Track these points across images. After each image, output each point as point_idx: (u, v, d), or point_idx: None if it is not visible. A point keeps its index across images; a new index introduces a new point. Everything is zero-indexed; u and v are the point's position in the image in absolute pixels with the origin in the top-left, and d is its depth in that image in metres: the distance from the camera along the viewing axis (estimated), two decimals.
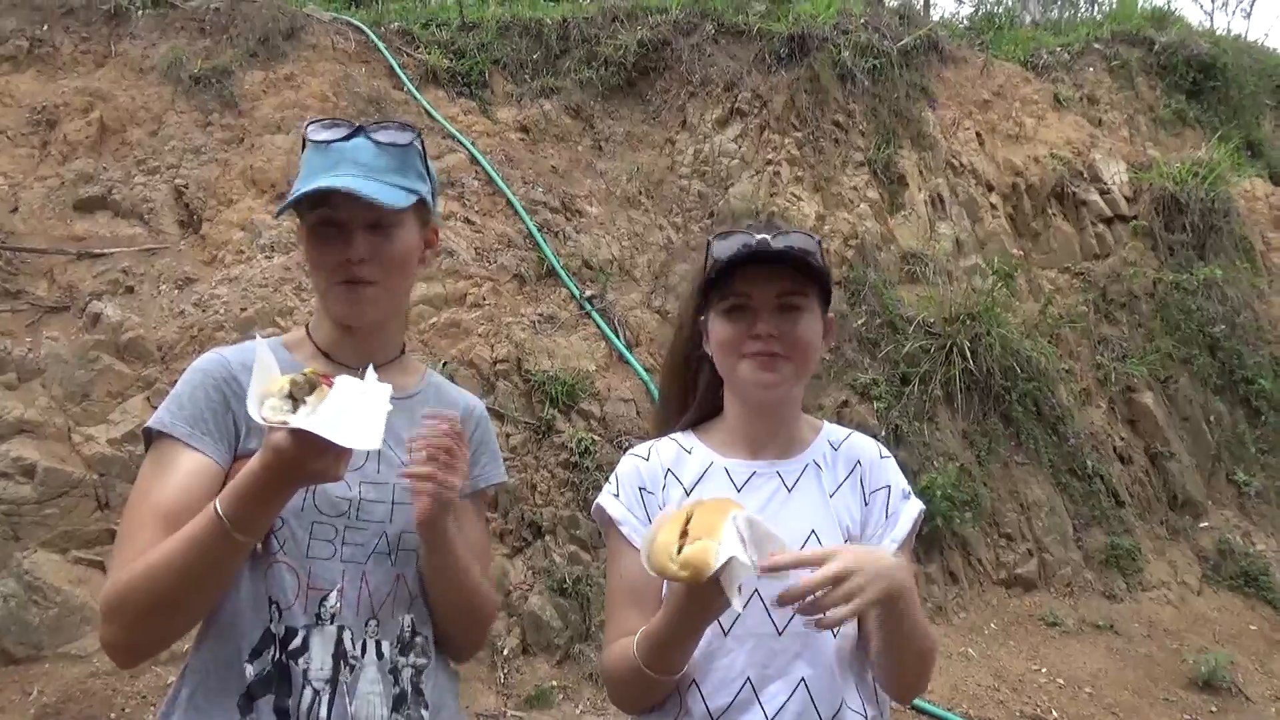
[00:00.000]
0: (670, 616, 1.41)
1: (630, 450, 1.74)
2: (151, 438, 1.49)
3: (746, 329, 1.57)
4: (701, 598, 1.34)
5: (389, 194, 1.50)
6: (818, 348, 1.62)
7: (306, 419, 1.22)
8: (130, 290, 5.39)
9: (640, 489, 1.64)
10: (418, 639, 1.57)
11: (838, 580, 1.30)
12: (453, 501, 1.46)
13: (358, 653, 1.49)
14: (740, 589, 1.28)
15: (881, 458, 1.69)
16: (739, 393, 1.66)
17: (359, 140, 1.53)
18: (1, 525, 4.41)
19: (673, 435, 1.73)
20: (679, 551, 1.27)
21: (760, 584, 1.52)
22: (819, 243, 1.61)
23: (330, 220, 1.50)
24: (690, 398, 1.75)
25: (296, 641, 1.44)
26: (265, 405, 1.24)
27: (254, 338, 1.47)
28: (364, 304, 1.54)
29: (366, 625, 1.51)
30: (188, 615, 1.40)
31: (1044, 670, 5.35)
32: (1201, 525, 6.83)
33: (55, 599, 4.31)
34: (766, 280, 1.57)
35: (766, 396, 1.61)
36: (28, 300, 5.23)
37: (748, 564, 1.26)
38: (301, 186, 1.50)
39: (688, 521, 1.30)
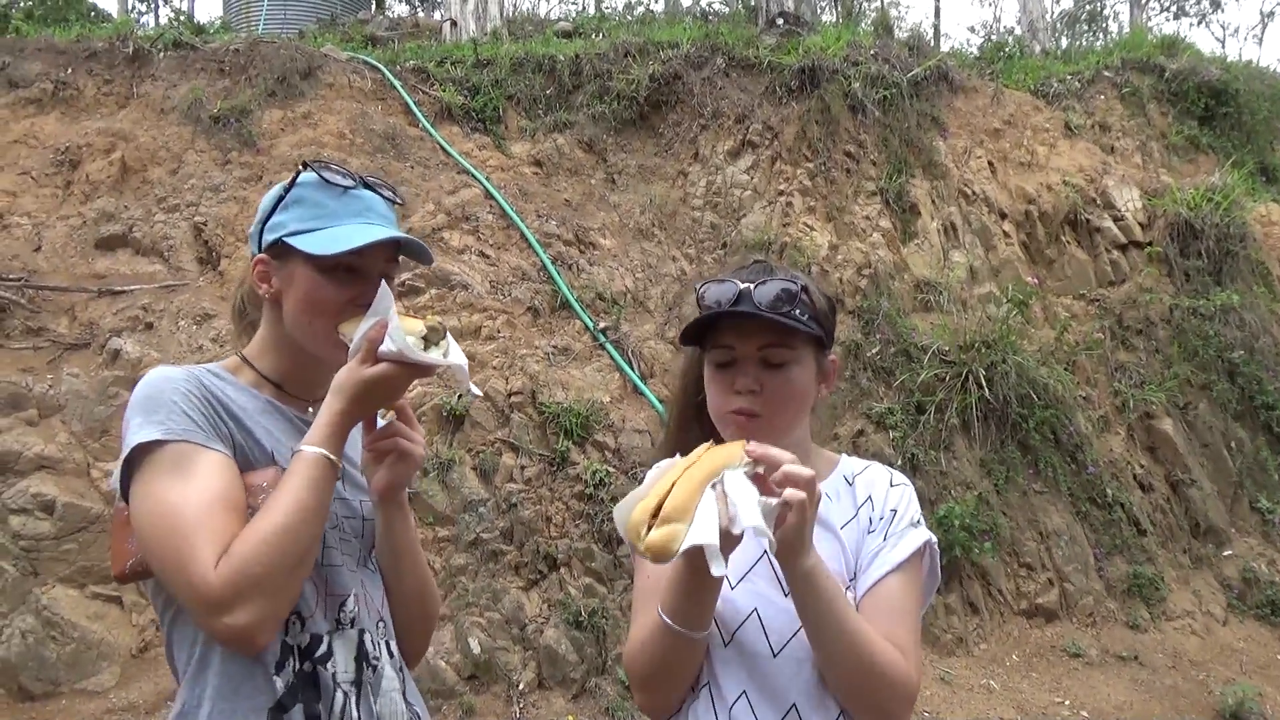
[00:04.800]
0: (673, 575, 1.47)
1: (656, 464, 1.77)
2: (141, 455, 1.42)
3: (731, 382, 1.58)
4: (688, 566, 1.41)
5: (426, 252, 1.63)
6: (805, 398, 1.61)
7: (458, 360, 1.49)
8: (149, 326, 5.46)
9: None
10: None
11: (800, 482, 1.34)
12: (417, 464, 1.56)
13: (378, 653, 1.57)
14: (722, 554, 1.31)
15: (893, 485, 1.66)
16: None
17: (369, 193, 1.62)
18: (20, 561, 4.44)
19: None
20: (648, 531, 1.31)
21: (759, 601, 1.57)
22: (805, 286, 1.59)
23: (351, 266, 1.54)
24: (703, 434, 1.74)
25: (322, 648, 1.48)
26: (411, 341, 1.43)
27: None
28: None
29: (378, 627, 1.59)
30: (310, 569, 1.43)
31: (1067, 703, 5.26)
32: (1225, 553, 6.74)
33: (73, 635, 4.33)
34: (749, 332, 1.57)
35: None
36: (49, 337, 5.31)
37: (714, 543, 1.29)
38: (343, 228, 1.54)
39: (667, 495, 1.35)
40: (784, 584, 1.54)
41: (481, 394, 1.42)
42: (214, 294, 5.84)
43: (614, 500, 5.10)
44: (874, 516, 1.62)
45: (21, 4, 15.08)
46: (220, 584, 1.31)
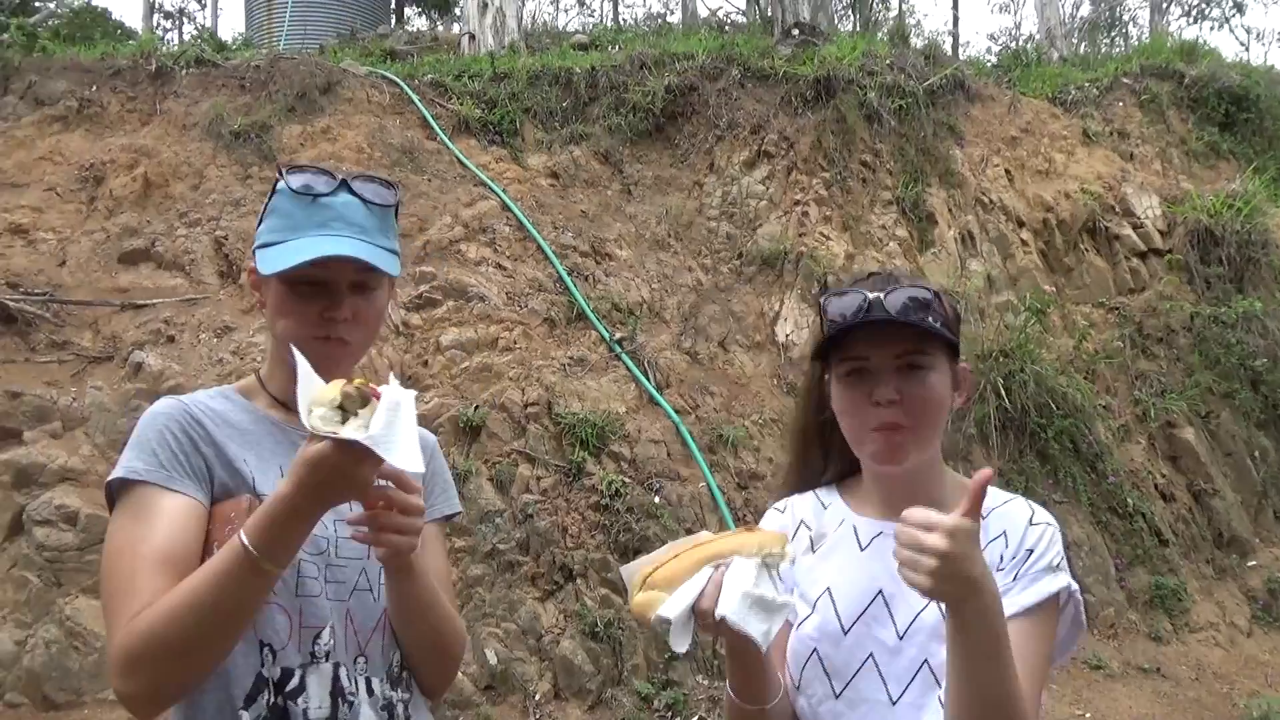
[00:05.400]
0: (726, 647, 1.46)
1: (772, 504, 1.75)
2: (114, 491, 1.44)
3: (867, 394, 1.48)
4: (726, 639, 1.38)
5: (388, 261, 1.53)
6: (944, 406, 1.52)
7: (362, 434, 1.21)
8: (171, 340, 5.53)
9: None
10: (404, 673, 1.58)
11: (925, 549, 1.23)
12: (413, 545, 1.41)
13: (354, 689, 1.49)
14: (685, 631, 1.34)
15: (1032, 524, 1.52)
16: (865, 463, 1.60)
17: (347, 197, 1.52)
18: (44, 572, 4.51)
19: (818, 490, 1.70)
20: (638, 592, 1.38)
21: (875, 646, 1.49)
22: (935, 293, 1.52)
23: (313, 279, 1.48)
24: (828, 460, 1.70)
25: (294, 682, 1.43)
26: (314, 415, 1.23)
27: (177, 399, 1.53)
28: (339, 362, 1.52)
29: (356, 662, 1.51)
30: (214, 657, 1.35)
31: (1089, 715, 5.21)
32: (1249, 564, 6.65)
33: (96, 645, 4.38)
34: (884, 340, 1.48)
35: (894, 471, 1.55)
36: (73, 351, 5.39)
37: (683, 624, 1.33)
38: (295, 242, 1.48)
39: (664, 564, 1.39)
40: (898, 626, 1.49)
41: (423, 469, 1.26)
42: (235, 307, 5.91)
43: (630, 511, 5.12)
44: (1005, 554, 1.48)
45: (49, 23, 15.35)
46: (116, 649, 1.32)
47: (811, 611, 1.56)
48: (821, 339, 1.53)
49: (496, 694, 4.63)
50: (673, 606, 1.33)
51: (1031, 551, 1.47)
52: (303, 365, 1.29)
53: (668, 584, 1.35)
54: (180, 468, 1.44)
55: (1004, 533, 1.51)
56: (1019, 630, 1.40)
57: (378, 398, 1.24)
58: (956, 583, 1.23)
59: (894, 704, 1.46)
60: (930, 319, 1.47)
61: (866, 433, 1.49)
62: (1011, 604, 1.42)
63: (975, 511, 1.27)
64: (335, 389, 1.24)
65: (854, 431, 1.53)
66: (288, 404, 1.56)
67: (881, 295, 1.47)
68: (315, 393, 1.25)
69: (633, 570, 1.41)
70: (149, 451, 1.44)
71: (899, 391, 1.46)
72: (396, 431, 1.23)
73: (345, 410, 1.23)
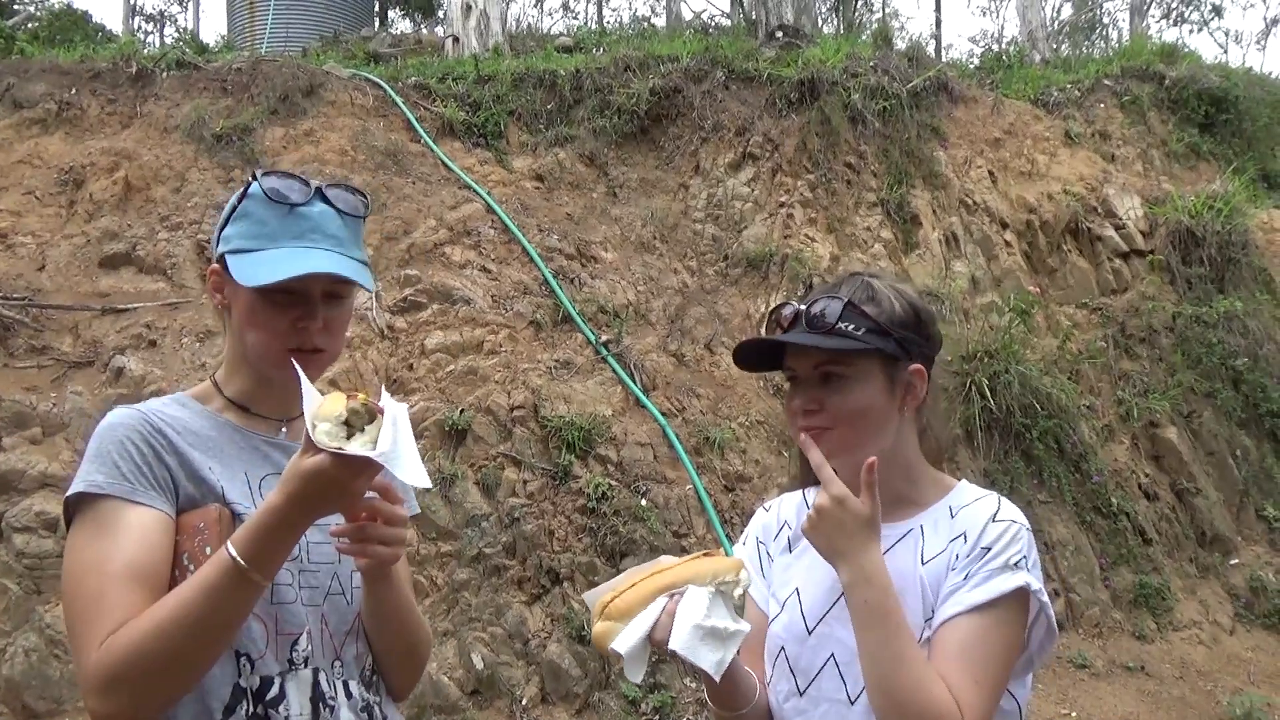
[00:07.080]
0: None
1: (761, 504, 1.84)
2: (73, 506, 1.41)
3: (792, 403, 1.58)
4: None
5: (365, 275, 1.53)
6: (871, 413, 1.53)
7: (370, 450, 1.23)
8: (153, 344, 5.48)
9: (757, 539, 1.76)
10: (375, 676, 1.58)
11: (818, 512, 1.45)
12: (397, 556, 1.44)
13: (334, 694, 1.48)
14: (639, 662, 1.41)
15: (994, 520, 1.51)
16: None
17: (322, 207, 1.52)
18: (24, 579, 4.45)
19: (807, 489, 1.71)
20: (598, 621, 1.45)
21: (835, 647, 1.54)
22: (851, 303, 1.54)
23: (288, 289, 1.46)
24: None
25: (273, 690, 1.42)
26: (318, 430, 1.23)
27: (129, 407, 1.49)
28: (311, 369, 1.49)
29: (333, 666, 1.51)
30: (199, 672, 1.34)
31: (1074, 714, 5.24)
32: (1232, 562, 6.70)
33: None
34: (803, 351, 1.55)
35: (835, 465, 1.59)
36: (53, 356, 5.33)
37: (637, 655, 1.40)
38: (273, 252, 1.46)
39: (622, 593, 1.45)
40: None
41: (430, 485, 1.29)
42: (217, 311, 5.86)
43: (617, 514, 5.11)
44: (961, 553, 1.49)
45: (27, 25, 15.22)
46: (94, 669, 1.29)
47: (781, 610, 1.62)
48: (738, 352, 1.66)
49: (483, 699, 4.60)
50: (625, 640, 1.39)
51: (989, 550, 1.47)
52: (304, 379, 1.31)
53: (623, 615, 1.41)
54: (144, 479, 1.41)
55: (964, 532, 1.51)
56: (963, 627, 1.42)
57: (381, 413, 1.26)
58: (822, 541, 1.45)
59: (852, 703, 1.49)
60: (850, 326, 1.51)
61: (799, 434, 1.57)
62: (960, 601, 1.44)
63: (869, 496, 1.43)
64: (339, 403, 1.25)
65: (793, 434, 1.60)
66: (247, 407, 1.56)
67: (805, 307, 1.55)
68: (315, 407, 1.26)
69: (593, 598, 1.47)
70: (110, 464, 1.40)
71: (818, 401, 1.54)
72: (401, 447, 1.26)
73: (351, 426, 1.25)
